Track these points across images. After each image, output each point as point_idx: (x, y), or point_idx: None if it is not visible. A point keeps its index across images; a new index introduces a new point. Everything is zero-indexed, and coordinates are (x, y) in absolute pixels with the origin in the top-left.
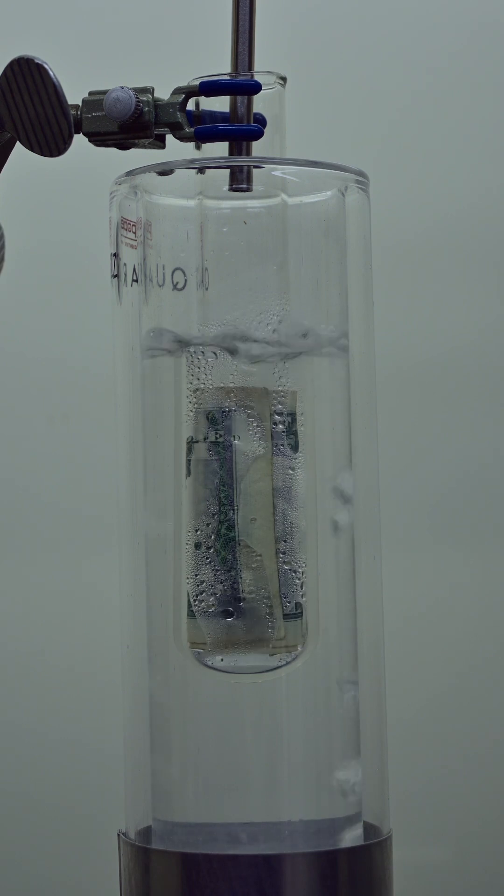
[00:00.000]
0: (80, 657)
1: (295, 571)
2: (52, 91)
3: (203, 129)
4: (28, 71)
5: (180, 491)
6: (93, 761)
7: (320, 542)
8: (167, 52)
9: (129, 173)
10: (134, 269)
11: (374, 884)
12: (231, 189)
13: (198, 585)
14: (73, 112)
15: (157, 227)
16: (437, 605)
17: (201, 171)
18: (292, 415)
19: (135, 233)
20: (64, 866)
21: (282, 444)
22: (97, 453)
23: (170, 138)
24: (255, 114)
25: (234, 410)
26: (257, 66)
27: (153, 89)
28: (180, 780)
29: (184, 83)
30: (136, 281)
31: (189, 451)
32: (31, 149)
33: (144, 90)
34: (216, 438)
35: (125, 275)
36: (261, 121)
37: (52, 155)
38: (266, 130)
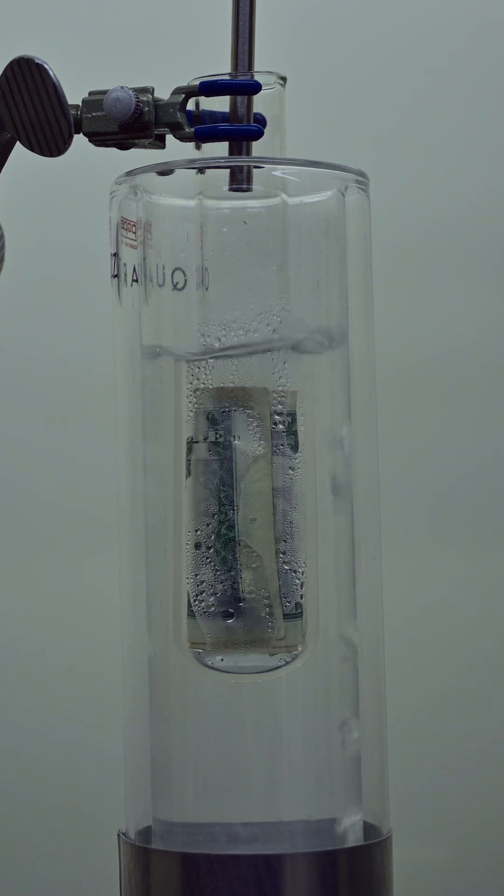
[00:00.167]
0: (80, 657)
1: (295, 571)
2: (52, 91)
3: (203, 129)
4: (28, 71)
5: (180, 491)
6: (93, 761)
7: (320, 539)
8: (167, 52)
9: (129, 173)
10: (134, 269)
11: (374, 884)
12: (231, 189)
13: (198, 585)
14: (73, 112)
15: (157, 227)
16: (437, 605)
17: (201, 171)
18: (292, 415)
19: (135, 233)
20: (64, 866)
21: (282, 444)
22: (97, 453)
23: (170, 138)
24: (255, 114)
25: (234, 410)
26: (257, 66)
27: (153, 89)
28: (180, 780)
29: (184, 83)
30: (136, 281)
31: (189, 451)
32: (31, 149)
33: (144, 90)
34: (216, 438)
35: (125, 275)
36: (261, 121)
37: (52, 155)
38: (266, 130)
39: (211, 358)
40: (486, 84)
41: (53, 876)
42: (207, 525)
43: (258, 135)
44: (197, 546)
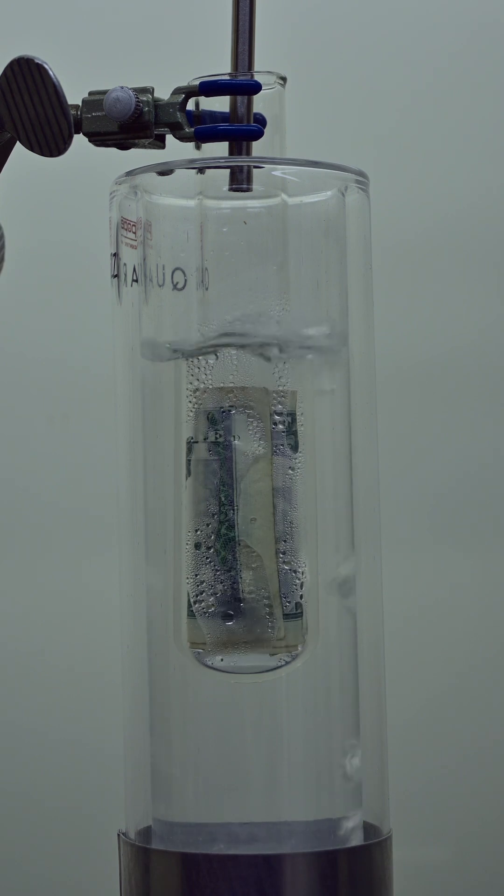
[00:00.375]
0: (80, 657)
1: (295, 571)
2: (52, 91)
3: (203, 129)
4: (28, 71)
5: (180, 491)
6: (93, 761)
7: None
8: (167, 52)
9: (129, 173)
10: (134, 269)
11: (374, 884)
12: (231, 189)
13: (198, 585)
14: (73, 112)
15: (157, 227)
16: (437, 605)
17: (201, 171)
18: (292, 415)
19: (135, 233)
20: (64, 866)
21: (282, 444)
22: (97, 453)
23: (170, 138)
24: (255, 114)
25: (234, 410)
26: (257, 66)
27: (153, 89)
28: (180, 780)
29: (184, 83)
30: (136, 281)
31: (189, 451)
32: (31, 149)
33: (144, 90)
34: (216, 438)
35: (125, 275)
36: (261, 121)
37: (52, 155)
38: (266, 130)
39: (210, 347)
40: (486, 84)
41: (53, 876)
42: (207, 525)
43: (258, 135)
44: (197, 546)
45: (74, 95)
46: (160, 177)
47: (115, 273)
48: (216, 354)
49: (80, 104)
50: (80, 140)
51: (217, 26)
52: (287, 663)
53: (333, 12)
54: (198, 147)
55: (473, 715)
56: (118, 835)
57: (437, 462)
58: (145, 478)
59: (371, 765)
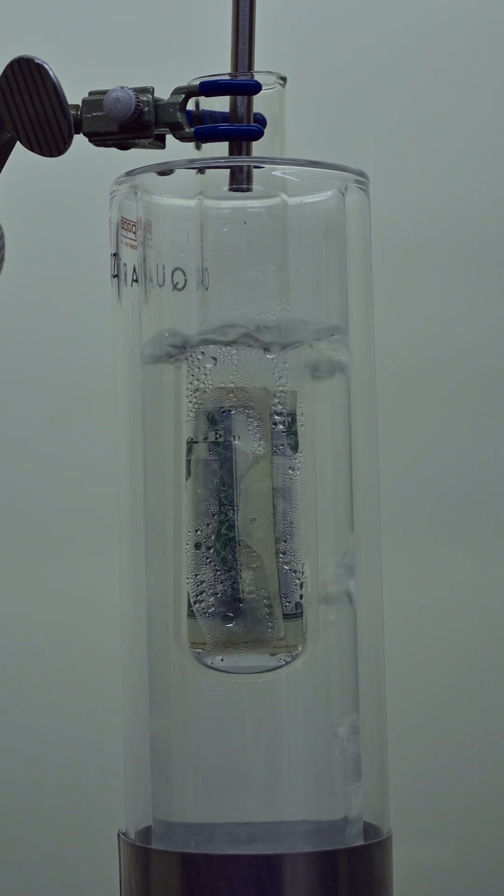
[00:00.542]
0: (80, 657)
1: (295, 571)
2: (52, 91)
3: (203, 129)
4: (28, 71)
5: (180, 491)
6: (93, 761)
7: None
8: (167, 52)
9: (129, 173)
10: (134, 269)
11: (374, 884)
12: (231, 189)
13: (198, 585)
14: (73, 112)
15: (157, 227)
16: (437, 605)
17: (201, 171)
18: (292, 415)
19: (135, 233)
20: (64, 866)
21: (282, 444)
22: (97, 453)
23: (170, 138)
24: (255, 114)
25: (234, 411)
26: (257, 66)
27: (153, 89)
28: (180, 780)
29: (184, 83)
30: (136, 281)
31: (189, 451)
32: (31, 149)
33: (144, 90)
34: (216, 439)
35: (125, 275)
36: (261, 121)
37: (52, 155)
38: (266, 130)
39: (210, 340)
40: (486, 84)
41: (53, 876)
42: (207, 525)
43: (258, 135)
44: (197, 546)
45: (74, 95)
46: (160, 177)
47: (115, 273)
48: (216, 355)
49: (80, 104)
50: (80, 140)
51: (217, 26)
52: (287, 663)
53: (333, 12)
54: (198, 147)
55: (473, 715)
56: (118, 835)
57: (437, 462)
58: (145, 478)
59: (371, 765)
